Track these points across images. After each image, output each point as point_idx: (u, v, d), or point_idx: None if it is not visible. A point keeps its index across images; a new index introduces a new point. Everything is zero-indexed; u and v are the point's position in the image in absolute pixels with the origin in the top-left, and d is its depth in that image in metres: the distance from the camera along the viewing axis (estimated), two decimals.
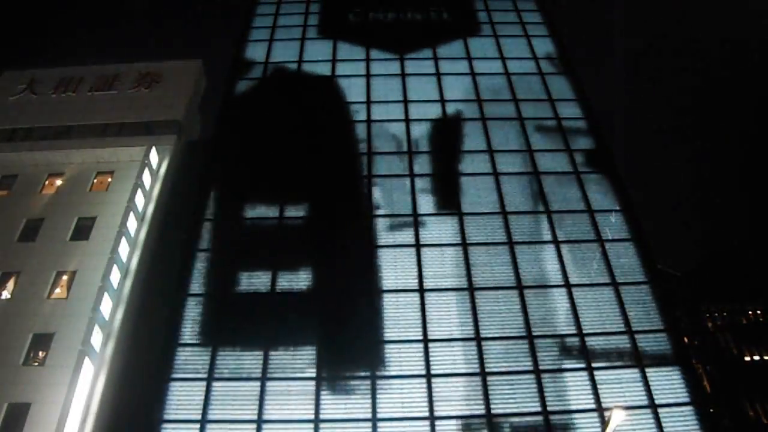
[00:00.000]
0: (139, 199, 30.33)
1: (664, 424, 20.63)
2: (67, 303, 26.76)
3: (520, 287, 24.45)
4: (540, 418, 20.81)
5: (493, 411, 20.93)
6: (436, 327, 23.29)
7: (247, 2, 40.88)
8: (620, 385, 21.64)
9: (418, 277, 24.82)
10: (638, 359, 22.33)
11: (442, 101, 32.68)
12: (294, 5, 40.82)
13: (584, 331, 23.06)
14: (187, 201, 29.44)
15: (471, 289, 24.40)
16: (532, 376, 21.88)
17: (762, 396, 47.56)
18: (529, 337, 22.91)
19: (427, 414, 20.89)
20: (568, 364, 22.24)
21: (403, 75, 34.39)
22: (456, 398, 21.39)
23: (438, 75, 34.38)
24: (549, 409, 21.00)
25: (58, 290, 27.60)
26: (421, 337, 22.93)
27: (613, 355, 22.60)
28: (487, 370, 21.99)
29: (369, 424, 20.69)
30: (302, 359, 22.52)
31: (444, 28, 38.31)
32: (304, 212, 27.57)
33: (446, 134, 30.95)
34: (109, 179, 32.09)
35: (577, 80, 34.20)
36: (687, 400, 21.40)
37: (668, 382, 21.84)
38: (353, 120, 31.79)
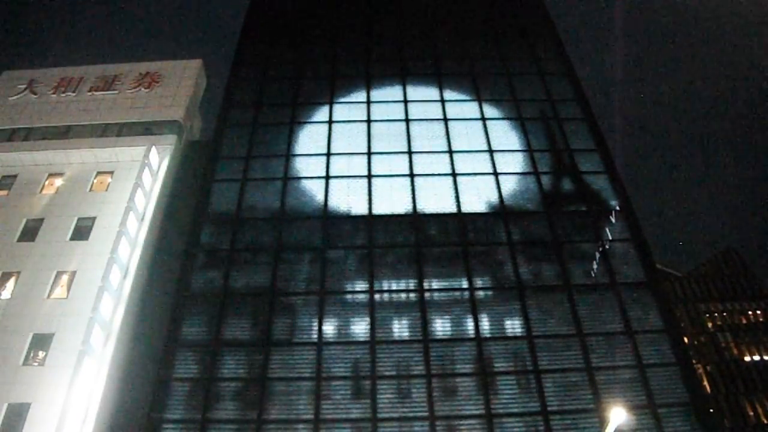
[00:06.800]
0: (139, 199, 30.31)
1: (664, 424, 20.63)
2: (67, 303, 26.73)
3: (520, 287, 24.45)
4: (540, 418, 20.82)
5: (493, 411, 20.93)
6: (436, 327, 23.30)
7: (247, 2, 40.92)
8: (620, 385, 21.63)
9: (418, 277, 24.82)
10: (638, 359, 22.32)
11: (442, 101, 32.66)
12: (295, 6, 40.86)
13: (584, 331, 23.05)
14: (187, 201, 29.45)
15: (471, 289, 24.40)
16: (532, 376, 21.89)
17: (762, 396, 47.58)
18: (530, 337, 22.90)
19: (427, 414, 20.90)
20: (568, 364, 22.24)
21: (404, 76, 34.39)
22: (456, 398, 21.39)
23: (439, 75, 34.38)
24: (549, 409, 21.00)
25: (58, 290, 27.57)
26: (421, 337, 22.94)
27: (613, 355, 22.60)
28: (487, 370, 21.99)
29: (369, 424, 20.71)
30: (302, 359, 22.53)
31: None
32: (305, 212, 27.61)
33: (445, 134, 30.96)
34: (109, 179, 32.05)
35: (576, 79, 34.19)
36: (687, 400, 21.40)
37: (668, 382, 21.84)
38: (353, 120, 31.79)
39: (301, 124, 31.94)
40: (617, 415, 18.39)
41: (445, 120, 31.60)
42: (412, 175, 28.83)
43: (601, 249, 25.84)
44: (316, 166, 29.43)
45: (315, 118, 32.20)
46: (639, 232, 26.63)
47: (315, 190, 28.41)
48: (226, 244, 26.46)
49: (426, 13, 39.58)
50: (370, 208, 27.37)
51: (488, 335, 23.05)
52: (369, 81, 34.08)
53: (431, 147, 30.23)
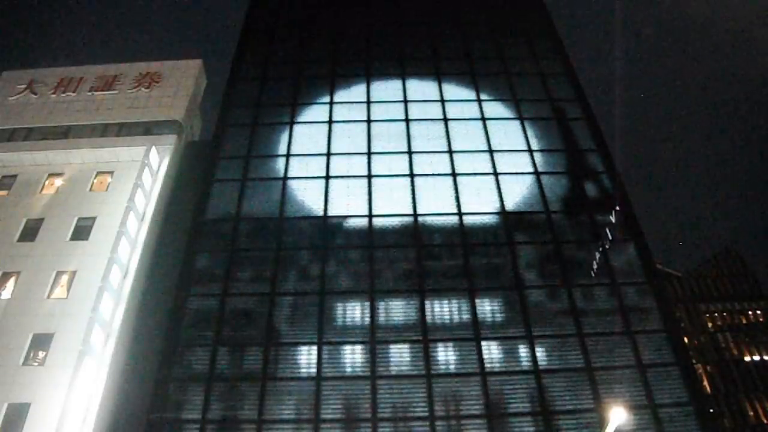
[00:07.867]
0: (139, 199, 30.32)
1: (664, 424, 20.64)
2: (67, 303, 26.74)
3: (519, 288, 24.45)
4: (540, 418, 20.82)
5: (493, 411, 20.93)
6: (436, 327, 23.29)
7: (247, 2, 40.93)
8: (620, 385, 21.63)
9: (418, 277, 24.82)
10: (638, 359, 22.33)
11: (442, 101, 32.65)
12: (295, 6, 40.86)
13: (584, 331, 23.05)
14: (187, 201, 29.45)
15: (471, 289, 24.40)
16: (531, 376, 21.89)
17: (762, 396, 47.63)
18: (529, 337, 22.90)
19: (427, 414, 20.90)
20: (568, 364, 22.24)
21: (404, 76, 34.39)
22: (456, 398, 21.39)
23: (439, 75, 34.36)
24: (549, 409, 21.01)
25: (58, 290, 27.58)
26: (421, 338, 22.94)
27: (613, 355, 22.60)
28: (486, 370, 22.00)
29: (369, 424, 20.72)
30: (302, 359, 22.53)
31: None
32: (304, 213, 27.60)
33: (445, 134, 30.96)
34: (109, 179, 32.06)
35: (576, 79, 34.18)
36: (687, 400, 21.40)
37: (668, 382, 21.84)
38: (353, 120, 31.78)
39: (301, 124, 31.95)
40: (617, 414, 18.38)
41: (445, 120, 31.59)
42: (412, 175, 28.82)
43: (601, 249, 25.84)
44: (316, 166, 29.42)
45: (315, 118, 32.19)
46: (639, 232, 26.63)
47: (315, 189, 28.38)
48: (226, 243, 26.45)
49: (426, 13, 39.54)
50: (370, 209, 27.35)
51: (487, 335, 23.04)
52: (369, 81, 34.07)
53: (431, 147, 30.22)
